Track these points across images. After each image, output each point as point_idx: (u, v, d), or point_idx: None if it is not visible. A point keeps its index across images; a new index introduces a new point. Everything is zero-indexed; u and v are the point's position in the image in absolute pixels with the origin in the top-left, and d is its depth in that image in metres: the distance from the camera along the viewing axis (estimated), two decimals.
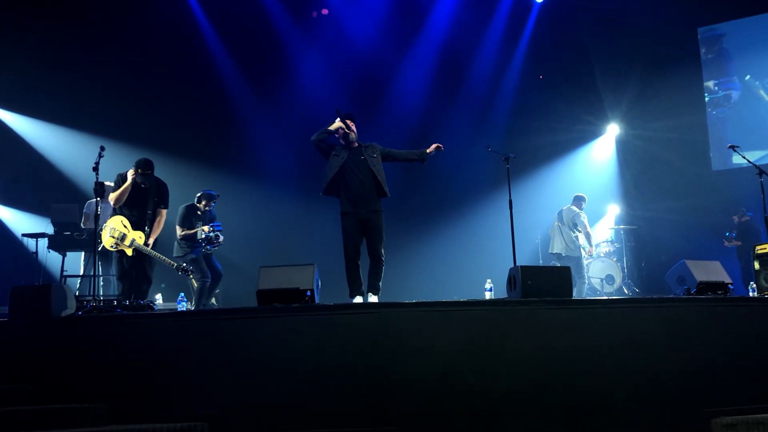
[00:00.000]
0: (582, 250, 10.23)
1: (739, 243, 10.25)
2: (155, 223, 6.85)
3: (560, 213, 10.43)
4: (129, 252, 6.63)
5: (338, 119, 6.50)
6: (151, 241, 6.73)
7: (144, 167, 6.66)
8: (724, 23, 11.94)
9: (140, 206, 6.78)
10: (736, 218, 10.48)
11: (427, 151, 6.73)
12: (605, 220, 12.26)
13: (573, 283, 9.81)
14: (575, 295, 9.35)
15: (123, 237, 6.61)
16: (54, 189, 10.34)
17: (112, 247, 6.59)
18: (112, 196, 6.77)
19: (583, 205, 10.42)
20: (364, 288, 6.37)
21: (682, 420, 4.73)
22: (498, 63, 12.50)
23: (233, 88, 11.83)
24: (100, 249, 6.61)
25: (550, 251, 10.49)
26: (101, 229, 6.75)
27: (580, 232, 10.18)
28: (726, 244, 10.36)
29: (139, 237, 6.66)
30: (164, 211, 6.96)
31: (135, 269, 6.72)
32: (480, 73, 12.45)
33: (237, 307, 5.56)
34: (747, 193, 9.38)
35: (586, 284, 10.25)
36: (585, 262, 10.38)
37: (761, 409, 4.79)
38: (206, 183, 10.97)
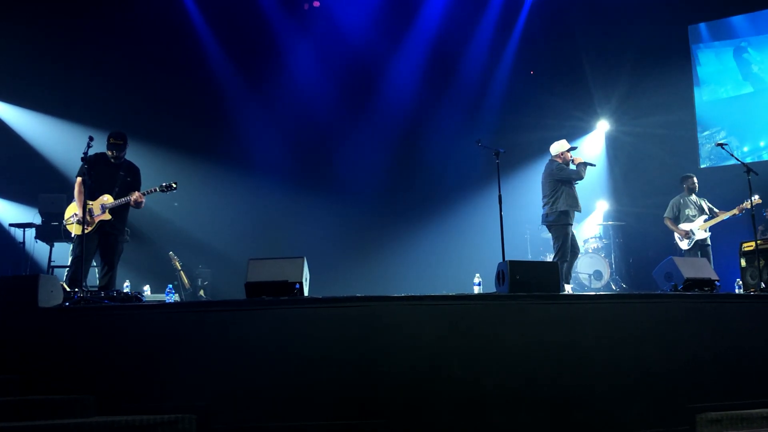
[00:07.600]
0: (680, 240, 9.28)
1: None
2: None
3: None
4: (107, 216, 6.56)
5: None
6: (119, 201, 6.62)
7: (114, 136, 6.62)
8: (714, 20, 11.98)
9: (109, 180, 6.65)
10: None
11: None
12: (594, 216, 12.31)
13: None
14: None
15: (91, 212, 6.49)
16: (42, 178, 10.22)
17: (86, 230, 6.34)
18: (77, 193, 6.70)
19: (685, 186, 9.46)
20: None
21: (668, 415, 4.78)
22: (489, 58, 12.48)
23: (224, 79, 11.73)
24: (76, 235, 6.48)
25: None
26: (66, 225, 6.75)
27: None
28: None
29: (106, 199, 6.60)
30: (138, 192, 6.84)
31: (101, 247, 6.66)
32: (471, 67, 12.43)
33: (225, 300, 5.57)
34: (734, 190, 9.40)
35: None
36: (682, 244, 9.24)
37: (746, 405, 4.85)
38: (197, 174, 10.95)
